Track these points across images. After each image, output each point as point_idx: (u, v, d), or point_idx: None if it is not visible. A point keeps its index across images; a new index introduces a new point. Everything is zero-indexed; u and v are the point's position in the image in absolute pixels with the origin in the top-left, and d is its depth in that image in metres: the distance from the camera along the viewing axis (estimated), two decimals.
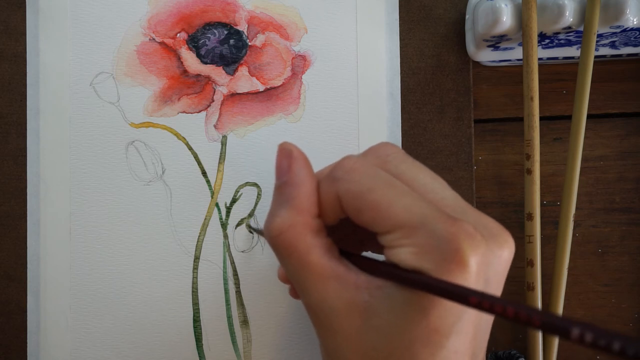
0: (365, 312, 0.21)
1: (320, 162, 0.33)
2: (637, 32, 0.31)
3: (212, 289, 0.33)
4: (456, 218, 0.20)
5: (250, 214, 0.33)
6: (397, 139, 0.33)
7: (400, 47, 0.34)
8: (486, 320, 0.22)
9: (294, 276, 0.23)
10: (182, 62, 0.34)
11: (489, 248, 0.20)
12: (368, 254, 0.27)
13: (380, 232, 0.21)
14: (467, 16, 0.33)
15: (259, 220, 0.33)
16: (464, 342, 0.20)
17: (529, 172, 0.31)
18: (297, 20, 0.34)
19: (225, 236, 0.33)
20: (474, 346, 0.21)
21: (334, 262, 0.22)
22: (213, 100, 0.33)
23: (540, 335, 0.32)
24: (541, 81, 0.33)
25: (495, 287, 0.21)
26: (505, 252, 0.21)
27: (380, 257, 0.25)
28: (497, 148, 0.35)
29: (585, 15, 0.30)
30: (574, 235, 0.32)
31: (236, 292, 0.33)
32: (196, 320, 0.33)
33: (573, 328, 0.16)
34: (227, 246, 0.33)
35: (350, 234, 0.26)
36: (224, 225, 0.33)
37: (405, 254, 0.20)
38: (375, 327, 0.21)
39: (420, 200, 0.21)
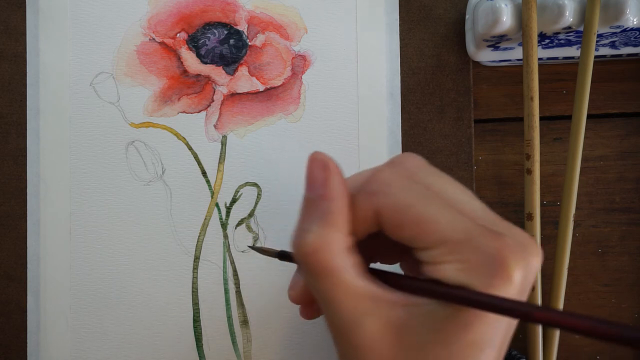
0: (401, 329, 0.21)
1: None
2: (637, 32, 0.31)
3: (212, 289, 0.33)
4: (498, 232, 0.20)
5: (250, 214, 0.33)
6: (397, 139, 0.33)
7: (400, 47, 0.34)
8: (512, 330, 0.22)
9: (324, 295, 0.22)
10: (182, 62, 0.34)
11: (527, 260, 0.20)
12: (377, 265, 0.27)
13: (421, 247, 0.21)
14: (467, 16, 0.33)
15: (259, 221, 0.33)
16: (493, 354, 0.21)
17: (529, 172, 0.31)
18: (297, 20, 0.34)
19: (225, 236, 0.33)
20: (499, 356, 0.21)
21: (367, 280, 0.22)
22: (213, 100, 0.33)
23: (540, 334, 0.32)
24: (541, 81, 0.33)
25: (525, 297, 0.22)
26: (536, 262, 0.21)
27: (386, 267, 0.25)
28: (497, 148, 0.35)
29: (585, 15, 0.30)
30: (574, 235, 0.32)
31: (236, 292, 0.33)
32: (196, 320, 0.33)
33: None
34: (227, 246, 0.33)
35: (370, 248, 0.25)
36: (224, 225, 0.33)
37: (450, 271, 0.20)
38: (411, 344, 0.21)
39: (460, 214, 0.21)
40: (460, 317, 0.20)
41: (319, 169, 0.23)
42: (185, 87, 0.34)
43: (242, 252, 0.33)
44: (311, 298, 0.26)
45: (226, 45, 0.34)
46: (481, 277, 0.20)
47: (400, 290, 0.22)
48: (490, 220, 0.22)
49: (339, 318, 0.22)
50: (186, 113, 0.33)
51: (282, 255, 0.30)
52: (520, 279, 0.20)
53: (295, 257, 0.22)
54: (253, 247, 0.33)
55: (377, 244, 0.24)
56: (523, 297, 0.21)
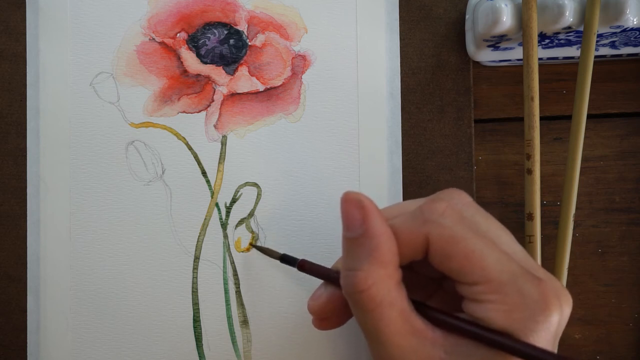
0: None
1: (320, 162, 0.33)
2: (637, 32, 0.31)
3: (212, 289, 0.33)
4: (540, 278, 0.21)
5: (250, 214, 0.33)
6: (397, 139, 0.33)
7: (400, 47, 0.34)
8: None
9: (370, 329, 0.22)
10: (182, 62, 0.34)
11: (562, 307, 0.21)
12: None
13: (466, 282, 0.21)
14: (467, 16, 0.33)
15: (259, 221, 0.33)
16: None
17: (530, 172, 0.31)
18: (297, 20, 0.34)
19: (225, 236, 0.33)
20: None
21: (413, 316, 0.22)
22: (213, 100, 0.33)
23: None
24: (541, 81, 0.33)
25: (556, 343, 0.22)
26: (569, 310, 0.22)
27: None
28: (497, 148, 0.35)
29: (585, 15, 0.30)
30: (574, 235, 0.32)
31: (236, 292, 0.33)
32: (196, 320, 0.33)
33: None
34: (227, 246, 0.33)
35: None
36: (224, 225, 0.33)
37: (493, 312, 0.21)
38: None
39: (506, 255, 0.21)
40: None
41: (354, 208, 0.23)
42: (185, 87, 0.34)
43: (242, 252, 0.33)
44: (329, 312, 0.26)
45: (226, 45, 0.34)
46: (523, 321, 0.20)
47: (441, 327, 0.22)
48: (530, 264, 0.22)
49: (383, 352, 0.22)
50: (186, 113, 0.33)
51: (284, 259, 0.30)
52: (557, 326, 0.20)
53: (346, 295, 0.23)
54: (256, 246, 0.33)
55: (409, 279, 0.24)
56: (555, 343, 0.21)
